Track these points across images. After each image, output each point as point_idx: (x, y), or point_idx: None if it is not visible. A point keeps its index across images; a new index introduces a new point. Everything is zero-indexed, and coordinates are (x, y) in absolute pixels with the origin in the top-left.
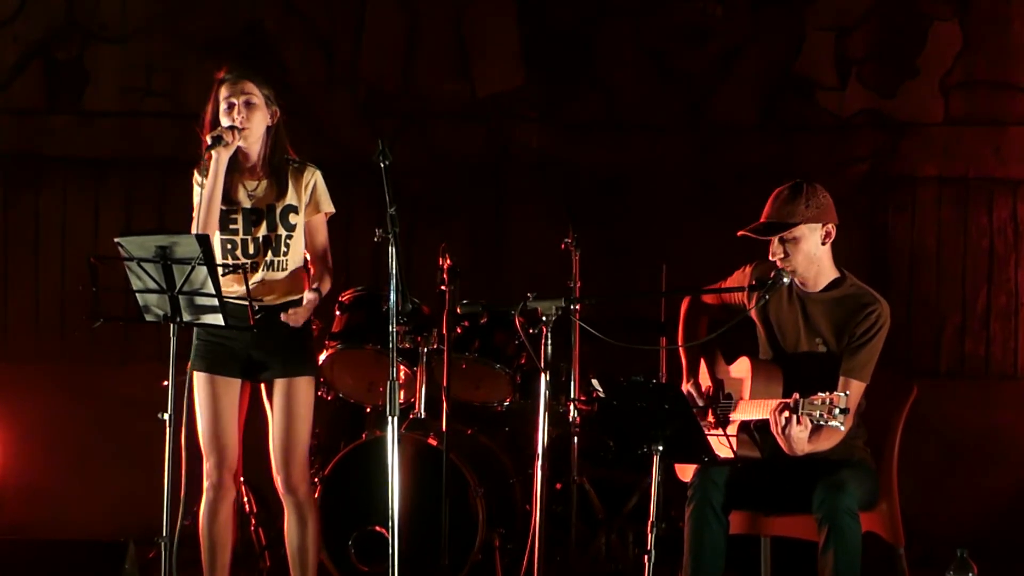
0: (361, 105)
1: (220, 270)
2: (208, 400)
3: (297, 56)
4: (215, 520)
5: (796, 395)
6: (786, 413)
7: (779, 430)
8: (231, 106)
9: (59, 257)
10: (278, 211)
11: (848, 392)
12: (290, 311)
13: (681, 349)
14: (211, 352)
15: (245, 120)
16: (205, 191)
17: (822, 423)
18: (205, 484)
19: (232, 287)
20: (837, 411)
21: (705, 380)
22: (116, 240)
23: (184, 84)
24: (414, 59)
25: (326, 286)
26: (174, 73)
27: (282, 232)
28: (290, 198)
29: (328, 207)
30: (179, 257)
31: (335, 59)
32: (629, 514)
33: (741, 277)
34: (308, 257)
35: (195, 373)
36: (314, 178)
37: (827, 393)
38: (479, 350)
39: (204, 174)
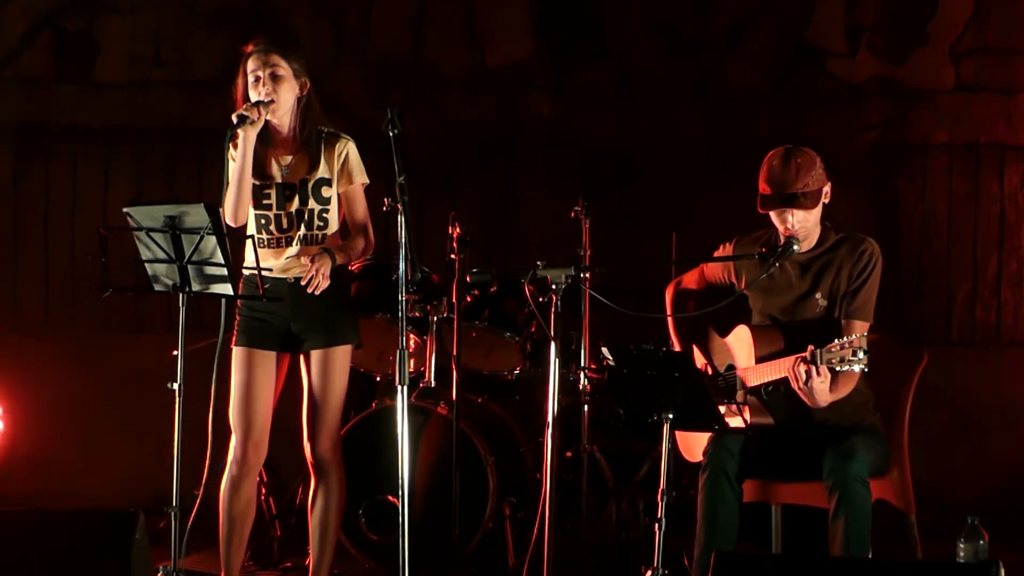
0: (371, 76)
1: (253, 244)
2: (243, 374)
3: (306, 27)
4: (236, 496)
5: (812, 347)
6: (804, 366)
7: (800, 385)
8: (257, 79)
9: (69, 228)
10: (310, 185)
11: (856, 334)
12: (305, 276)
13: (672, 332)
14: (252, 327)
15: (272, 92)
16: (235, 169)
17: (843, 368)
18: (229, 458)
19: (268, 260)
20: (861, 353)
21: (700, 359)
22: (125, 210)
23: (193, 54)
24: (423, 29)
25: (356, 250)
26: (183, 43)
27: (315, 206)
28: (322, 171)
29: (362, 178)
30: (188, 227)
31: (344, 29)
32: (640, 482)
33: (723, 255)
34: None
35: (236, 348)
36: (347, 148)
37: (844, 339)
38: (489, 319)
39: (235, 146)
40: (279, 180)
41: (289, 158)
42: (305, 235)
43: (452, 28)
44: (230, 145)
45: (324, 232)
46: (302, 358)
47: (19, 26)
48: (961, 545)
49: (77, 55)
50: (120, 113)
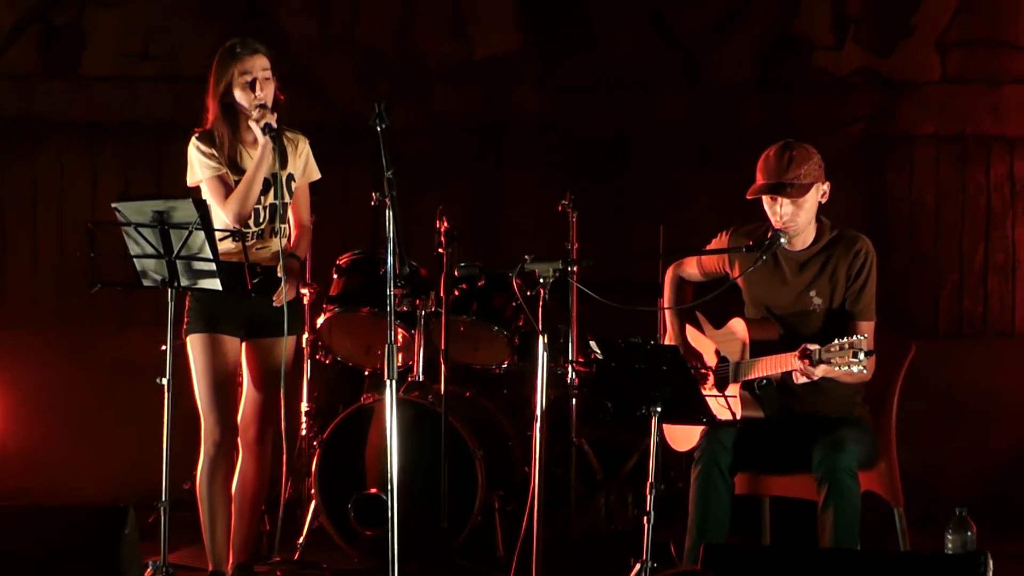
0: (358, 68)
1: (219, 235)
2: (210, 359)
3: (294, 19)
4: (215, 479)
5: (815, 345)
6: (806, 362)
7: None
8: (254, 82)
9: (57, 222)
10: (283, 179)
11: (865, 335)
12: (281, 292)
13: (668, 320)
14: (210, 313)
15: (268, 96)
16: (253, 172)
17: (844, 368)
18: (205, 444)
19: (228, 247)
20: (862, 354)
21: (700, 343)
22: (113, 205)
23: (181, 48)
24: (411, 22)
25: (304, 249)
26: (171, 37)
27: (287, 200)
28: (290, 167)
29: (318, 174)
30: (176, 222)
31: (332, 22)
32: (628, 475)
33: (720, 244)
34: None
35: (195, 335)
36: (307, 147)
37: (845, 339)
38: (477, 312)
39: (206, 143)
40: None
41: (259, 153)
42: (278, 228)
43: (439, 20)
44: (197, 141)
45: (287, 226)
46: (250, 345)
47: (7, 20)
48: (949, 536)
49: (65, 49)
50: (108, 107)
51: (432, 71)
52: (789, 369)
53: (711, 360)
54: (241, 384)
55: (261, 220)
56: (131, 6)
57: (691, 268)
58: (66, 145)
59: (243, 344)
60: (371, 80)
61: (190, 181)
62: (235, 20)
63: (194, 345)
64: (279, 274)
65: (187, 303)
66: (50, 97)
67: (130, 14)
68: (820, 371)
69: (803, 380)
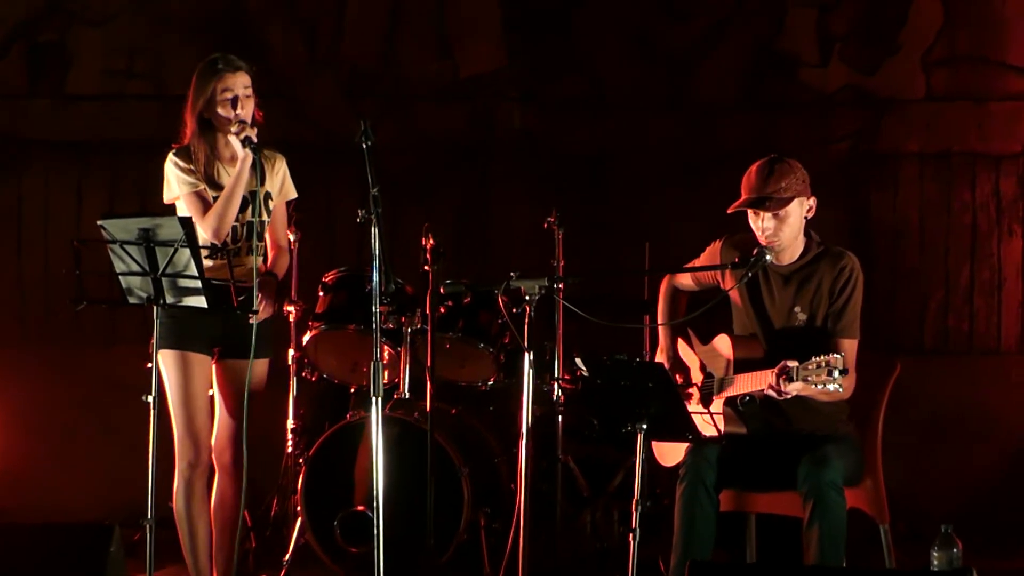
0: (344, 86)
1: (204, 252)
2: (181, 376)
3: (279, 36)
4: (192, 499)
5: (795, 362)
6: (783, 377)
7: (777, 397)
8: (236, 99)
9: (42, 240)
10: (260, 197)
11: (843, 353)
12: (259, 311)
13: (661, 333)
14: (180, 330)
15: (248, 114)
16: (232, 187)
17: (819, 387)
18: (179, 463)
19: (222, 270)
20: (836, 372)
21: (689, 358)
22: (99, 223)
23: (166, 66)
24: (396, 39)
25: (282, 268)
26: (156, 55)
27: (265, 218)
28: (268, 185)
29: (294, 193)
30: (162, 239)
31: (317, 39)
32: (614, 492)
33: (712, 254)
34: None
35: (165, 352)
36: (283, 166)
37: (821, 356)
38: (463, 330)
39: (184, 159)
40: None
41: (236, 169)
42: (255, 246)
43: (425, 38)
44: (175, 157)
45: (264, 245)
46: (220, 366)
47: None
48: (935, 553)
49: (50, 67)
50: (93, 125)
51: (417, 89)
52: (763, 386)
53: (698, 375)
54: (214, 404)
55: (238, 237)
56: (116, 24)
57: (685, 279)
58: (52, 163)
59: (214, 364)
60: (356, 98)
61: (167, 198)
62: (220, 38)
63: (164, 362)
64: (256, 293)
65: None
66: (35, 115)
67: (115, 32)
68: (794, 388)
69: (777, 395)
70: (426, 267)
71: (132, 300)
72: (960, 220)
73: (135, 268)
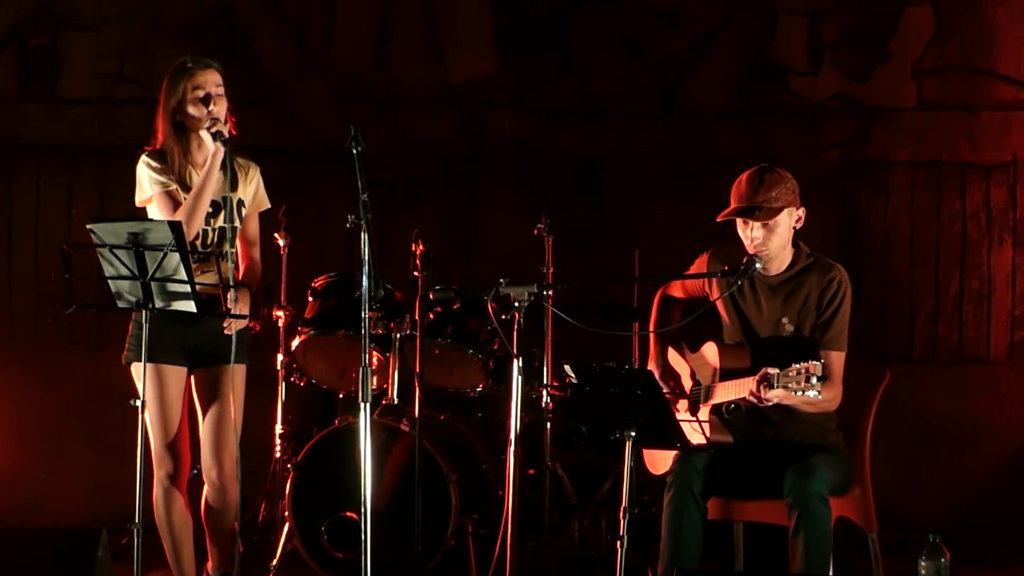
0: (334, 91)
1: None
2: (155, 390)
3: (270, 42)
4: (172, 508)
5: (775, 369)
6: (764, 384)
7: (758, 404)
8: (208, 97)
9: (32, 244)
10: (233, 203)
11: (825, 361)
12: (232, 320)
13: (652, 341)
14: (152, 341)
15: (221, 112)
16: (201, 184)
17: (800, 394)
18: (157, 473)
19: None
20: (815, 379)
21: (679, 366)
22: (88, 227)
23: (157, 70)
24: (387, 45)
25: (253, 281)
26: (147, 60)
27: (237, 224)
28: (240, 192)
29: (268, 203)
30: (151, 244)
31: (308, 45)
32: (602, 499)
33: (700, 266)
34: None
35: (137, 365)
36: (258, 175)
37: (801, 363)
38: (452, 336)
39: (156, 160)
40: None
41: (209, 161)
42: (226, 252)
43: (415, 44)
44: (147, 158)
45: (236, 251)
46: (196, 375)
47: None
48: (922, 563)
49: (41, 72)
50: (84, 130)
51: (408, 95)
52: (745, 393)
53: (687, 383)
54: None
55: (209, 243)
56: (107, 29)
57: (676, 290)
58: (42, 167)
59: (190, 374)
60: (347, 103)
61: (139, 200)
62: (210, 42)
63: (137, 375)
64: (229, 301)
65: (129, 329)
66: (26, 119)
67: (106, 37)
68: (775, 395)
69: (758, 402)
70: (415, 273)
71: (121, 304)
72: (950, 229)
73: (124, 272)
